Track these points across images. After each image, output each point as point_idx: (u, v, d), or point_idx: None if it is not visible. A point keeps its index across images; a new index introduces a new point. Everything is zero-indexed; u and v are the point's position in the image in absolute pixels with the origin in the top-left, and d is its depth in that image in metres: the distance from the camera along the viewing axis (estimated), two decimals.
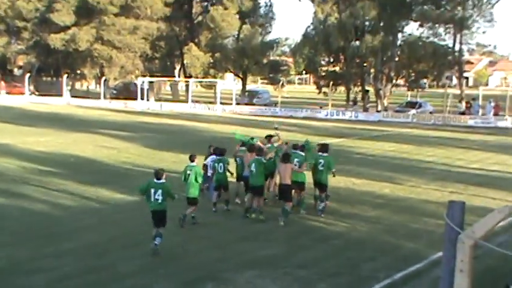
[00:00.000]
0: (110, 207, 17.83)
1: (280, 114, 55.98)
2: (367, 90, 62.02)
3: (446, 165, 26.01)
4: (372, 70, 61.69)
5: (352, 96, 62.33)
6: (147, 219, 13.79)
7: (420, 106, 56.42)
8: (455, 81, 78.46)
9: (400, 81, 63.19)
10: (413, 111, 54.20)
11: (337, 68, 63.34)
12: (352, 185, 20.11)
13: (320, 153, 17.51)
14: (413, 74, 61.36)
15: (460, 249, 5.00)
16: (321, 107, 57.90)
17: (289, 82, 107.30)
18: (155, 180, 13.39)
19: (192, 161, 15.62)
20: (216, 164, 17.17)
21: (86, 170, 24.32)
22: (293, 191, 16.94)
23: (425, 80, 67.48)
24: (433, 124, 49.17)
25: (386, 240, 14.55)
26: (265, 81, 78.37)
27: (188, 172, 15.56)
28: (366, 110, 58.20)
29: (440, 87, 68.39)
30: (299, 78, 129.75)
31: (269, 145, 18.98)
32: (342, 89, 63.60)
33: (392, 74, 60.93)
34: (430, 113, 54.39)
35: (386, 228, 15.68)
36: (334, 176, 17.69)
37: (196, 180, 15.36)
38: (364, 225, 16.04)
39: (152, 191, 13.34)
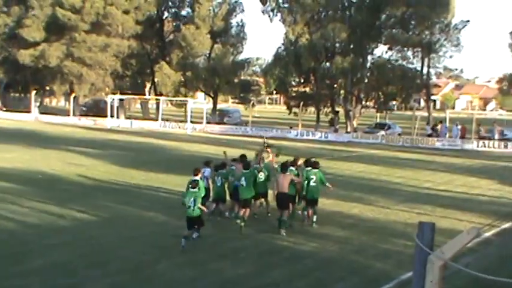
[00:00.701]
0: (78, 225, 17.52)
1: (251, 133, 55.30)
2: (337, 111, 61.96)
3: (415, 186, 26.06)
4: (342, 91, 61.95)
5: (326, 117, 62.44)
6: (116, 237, 13.78)
7: (389, 128, 56.73)
8: (423, 103, 79.23)
9: (370, 103, 63.30)
10: (382, 132, 54.36)
11: (307, 89, 63.34)
12: (321, 205, 19.86)
13: (310, 169, 18.03)
14: (382, 96, 61.55)
15: (430, 270, 5.01)
16: (291, 127, 57.48)
17: (260, 102, 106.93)
18: (190, 188, 14.58)
19: (196, 175, 15.82)
20: (217, 178, 17.55)
21: (54, 187, 23.91)
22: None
23: (394, 102, 67.58)
24: (401, 145, 49.14)
25: (356, 260, 14.50)
26: (236, 100, 79.39)
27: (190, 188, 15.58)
28: (335, 130, 57.86)
29: (409, 109, 69.11)
30: (269, 98, 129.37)
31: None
32: (312, 109, 63.41)
33: (361, 95, 61.28)
34: (399, 134, 54.58)
35: (355, 249, 15.64)
36: (331, 188, 18.61)
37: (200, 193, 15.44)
38: (334, 245, 15.98)
39: (187, 198, 14.66)
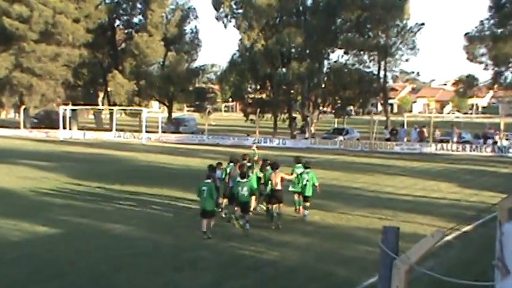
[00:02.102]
0: (32, 239, 16.99)
1: (208, 142, 54.87)
2: (295, 117, 62.21)
3: (375, 191, 25.83)
4: (299, 97, 61.76)
5: (284, 123, 61.83)
6: (72, 250, 13.82)
7: (347, 133, 56.37)
8: (380, 107, 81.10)
9: (327, 108, 63.75)
10: (340, 137, 54.01)
11: (264, 95, 63.16)
12: (284, 212, 19.28)
13: (303, 169, 19.70)
14: (339, 101, 61.76)
15: (396, 275, 5.11)
16: (248, 135, 56.04)
17: (216, 110, 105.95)
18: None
19: (208, 177, 16.91)
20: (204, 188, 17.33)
21: (5, 201, 23.16)
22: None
23: (351, 107, 67.48)
24: (360, 150, 48.79)
25: (318, 268, 14.21)
26: (192, 108, 77.10)
27: (203, 188, 16.60)
28: (293, 137, 57.65)
29: (366, 114, 68.26)
30: (226, 106, 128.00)
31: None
32: (269, 116, 63.05)
33: (319, 100, 61.25)
34: (357, 139, 54.28)
35: (317, 256, 15.35)
36: (319, 190, 19.82)
37: (211, 196, 16.52)
38: (295, 253, 15.65)
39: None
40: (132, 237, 16.67)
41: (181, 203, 21.89)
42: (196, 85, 71.70)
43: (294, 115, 62.09)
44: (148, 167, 32.48)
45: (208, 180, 16.69)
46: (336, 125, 62.90)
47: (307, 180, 19.28)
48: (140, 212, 20.28)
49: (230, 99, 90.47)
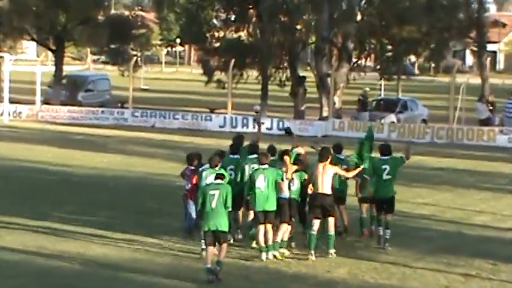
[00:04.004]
0: None
1: (133, 122, 42.74)
2: (303, 77, 44.10)
3: (456, 222, 19.35)
4: (312, 39, 45.70)
5: (281, 89, 46.45)
6: None
7: (405, 108, 42.68)
8: (470, 60, 70.53)
9: (366, 61, 47.12)
10: (391, 117, 41.25)
11: (243, 34, 46.10)
12: None
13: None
14: (390, 48, 44.51)
15: None
16: (212, 111, 45.25)
17: (151, 61, 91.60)
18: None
19: (218, 176, 13.46)
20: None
21: None
22: None
23: (412, 58, 56.62)
24: (430, 142, 37.89)
25: None
26: (103, 58, 63.13)
27: (212, 192, 12.88)
28: (298, 115, 42.80)
29: (443, 72, 56.33)
30: (169, 54, 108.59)
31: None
32: (252, 74, 46.25)
33: (350, 45, 43.11)
34: (424, 120, 42.10)
35: None
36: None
37: (225, 205, 12.76)
38: None
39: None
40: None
41: (89, 240, 16.25)
42: (112, 12, 56.57)
43: (300, 73, 44.79)
44: (11, 172, 25.76)
45: (220, 181, 13.05)
46: (382, 94, 48.67)
47: (388, 173, 14.84)
48: None
49: (178, 41, 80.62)
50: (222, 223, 12.54)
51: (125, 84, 46.92)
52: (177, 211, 16.67)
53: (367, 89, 45.16)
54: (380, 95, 47.73)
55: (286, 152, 14.88)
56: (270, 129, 38.31)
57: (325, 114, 40.86)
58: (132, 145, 32.72)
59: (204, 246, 13.42)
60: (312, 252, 13.64)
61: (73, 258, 14.72)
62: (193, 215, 14.79)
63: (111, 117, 42.39)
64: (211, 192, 12.64)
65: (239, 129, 38.35)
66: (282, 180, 13.93)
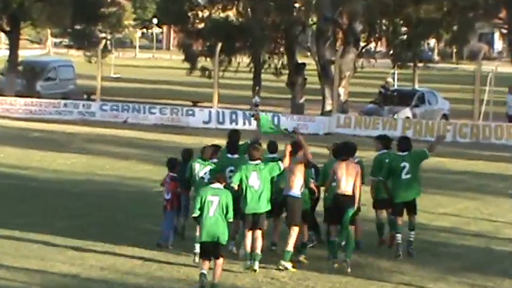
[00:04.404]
0: None
1: (101, 117, 40.15)
2: (302, 65, 41.57)
3: (483, 235, 18.06)
4: (312, 19, 43.50)
5: (276, 78, 44.54)
6: None
7: (422, 101, 39.79)
8: (500, 45, 70.62)
9: (378, 46, 45.87)
10: (406, 111, 38.27)
11: (231, 13, 44.17)
12: None
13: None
14: (405, 30, 42.69)
15: None
16: (195, 104, 42.71)
17: (123, 45, 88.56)
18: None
19: (218, 181, 12.83)
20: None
21: None
22: None
23: (431, 43, 56.78)
24: (452, 142, 34.49)
25: None
26: (65, 41, 57.86)
27: (210, 199, 12.46)
28: (297, 108, 40.46)
29: (468, 59, 58.32)
30: (144, 36, 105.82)
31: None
32: (242, 60, 43.63)
33: (357, 28, 40.48)
34: (445, 116, 38.96)
35: None
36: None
37: (225, 213, 12.29)
38: None
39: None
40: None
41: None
42: None
43: (299, 60, 42.35)
44: None
45: (218, 185, 12.65)
46: (395, 84, 44.72)
47: (407, 172, 14.73)
48: None
49: (154, 22, 78.19)
50: (220, 235, 12.37)
51: (92, 72, 44.28)
52: (151, 222, 16.52)
53: (390, 79, 41.47)
54: (393, 85, 43.29)
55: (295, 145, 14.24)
56: None
57: (328, 108, 37.89)
58: (101, 144, 30.90)
59: (197, 250, 13.35)
60: (335, 260, 13.56)
61: (32, 276, 13.78)
62: (169, 228, 14.76)
63: (75, 111, 39.79)
64: (210, 198, 12.37)
65: (227, 125, 35.91)
66: (280, 170, 13.46)
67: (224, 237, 12.14)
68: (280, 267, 12.93)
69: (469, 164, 28.69)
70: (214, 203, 12.06)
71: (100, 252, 15.00)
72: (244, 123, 36.58)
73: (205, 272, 11.98)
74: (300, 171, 13.31)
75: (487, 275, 14.54)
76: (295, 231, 13.10)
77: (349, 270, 13.08)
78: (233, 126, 34.96)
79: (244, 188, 13.24)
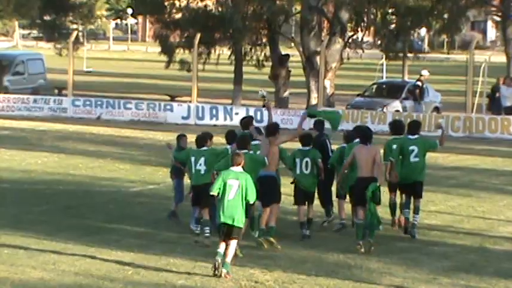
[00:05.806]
0: None
1: (73, 113, 39.55)
2: (286, 56, 41.12)
3: (478, 234, 18.09)
4: (297, 8, 43.54)
5: (259, 70, 43.66)
6: None
7: (413, 94, 39.34)
8: (493, 34, 70.90)
9: (365, 36, 43.51)
10: (395, 104, 37.83)
11: (210, 3, 43.43)
12: None
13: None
14: (394, 19, 41.87)
15: None
16: (173, 98, 42.18)
17: (96, 37, 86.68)
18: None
19: (238, 164, 13.18)
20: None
21: None
22: None
23: (422, 32, 55.35)
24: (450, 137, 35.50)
25: None
26: (34, 33, 59.77)
27: (231, 183, 12.88)
28: (281, 102, 39.84)
29: (460, 48, 58.74)
30: (118, 27, 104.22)
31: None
32: (223, 51, 42.76)
33: (344, 16, 40.00)
34: (436, 109, 38.66)
35: None
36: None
37: (245, 196, 12.87)
38: None
39: (193, 159, 14.63)
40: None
41: None
42: None
43: (282, 51, 42.08)
44: None
45: (239, 168, 13.04)
46: (384, 76, 44.82)
47: (416, 156, 15.63)
48: None
49: (129, 12, 77.36)
50: (238, 217, 12.93)
51: (63, 66, 43.61)
52: (129, 224, 16.75)
53: (426, 72, 39.32)
54: (381, 77, 43.94)
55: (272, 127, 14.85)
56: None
57: (313, 101, 37.00)
58: (73, 142, 30.33)
59: (198, 231, 14.51)
60: (361, 243, 14.21)
61: (3, 283, 13.53)
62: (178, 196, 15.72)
63: (46, 107, 39.01)
64: (230, 182, 12.91)
65: (207, 121, 35.94)
66: (264, 165, 14.32)
67: (241, 220, 12.81)
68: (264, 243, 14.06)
69: (462, 159, 28.66)
70: (234, 187, 12.64)
71: (74, 256, 14.64)
72: (225, 119, 36.31)
73: (221, 251, 12.74)
74: (275, 153, 14.29)
75: (482, 275, 14.44)
76: (275, 208, 14.32)
77: (364, 250, 14.00)
78: (213, 121, 36.00)
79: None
